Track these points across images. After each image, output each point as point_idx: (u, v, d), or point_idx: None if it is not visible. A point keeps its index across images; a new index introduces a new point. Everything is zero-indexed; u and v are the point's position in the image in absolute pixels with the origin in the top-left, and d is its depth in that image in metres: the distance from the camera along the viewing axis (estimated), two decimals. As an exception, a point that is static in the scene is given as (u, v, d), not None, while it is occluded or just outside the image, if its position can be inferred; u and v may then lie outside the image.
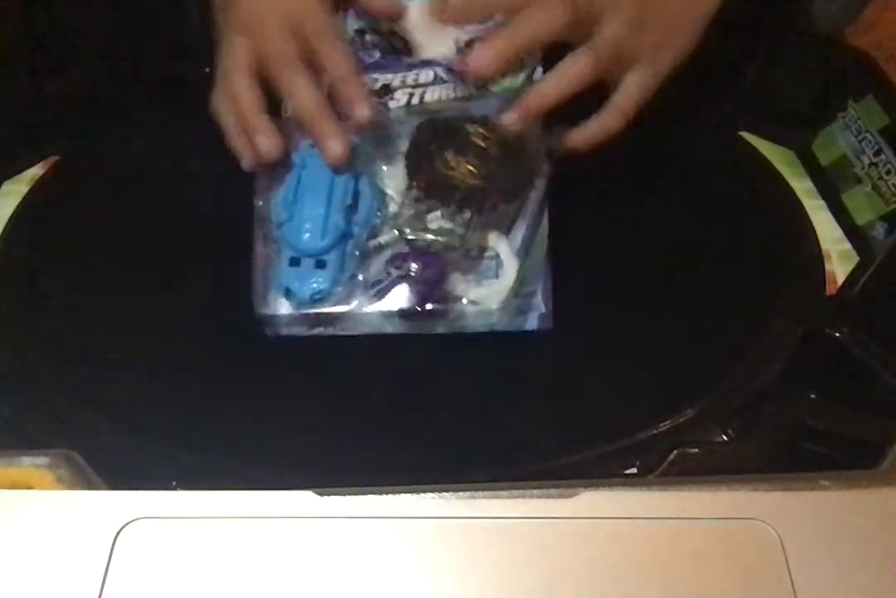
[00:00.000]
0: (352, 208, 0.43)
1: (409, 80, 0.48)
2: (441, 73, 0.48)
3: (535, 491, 0.35)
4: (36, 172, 0.53)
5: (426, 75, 0.48)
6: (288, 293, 0.43)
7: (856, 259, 0.48)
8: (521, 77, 0.47)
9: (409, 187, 0.45)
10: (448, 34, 0.48)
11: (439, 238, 0.43)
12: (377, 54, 0.49)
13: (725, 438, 0.41)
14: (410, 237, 0.44)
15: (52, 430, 0.42)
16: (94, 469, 0.37)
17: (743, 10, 0.47)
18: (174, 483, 0.39)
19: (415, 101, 0.47)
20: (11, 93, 0.54)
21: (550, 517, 0.34)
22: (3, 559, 0.33)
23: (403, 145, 0.45)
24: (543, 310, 0.44)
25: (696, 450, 0.40)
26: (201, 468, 0.40)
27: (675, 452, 0.40)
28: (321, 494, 0.34)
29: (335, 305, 0.43)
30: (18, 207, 0.52)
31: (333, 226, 0.43)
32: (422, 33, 0.48)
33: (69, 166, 0.54)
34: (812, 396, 0.42)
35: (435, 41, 0.48)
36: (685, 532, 0.33)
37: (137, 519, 0.33)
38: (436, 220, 0.44)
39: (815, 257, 0.48)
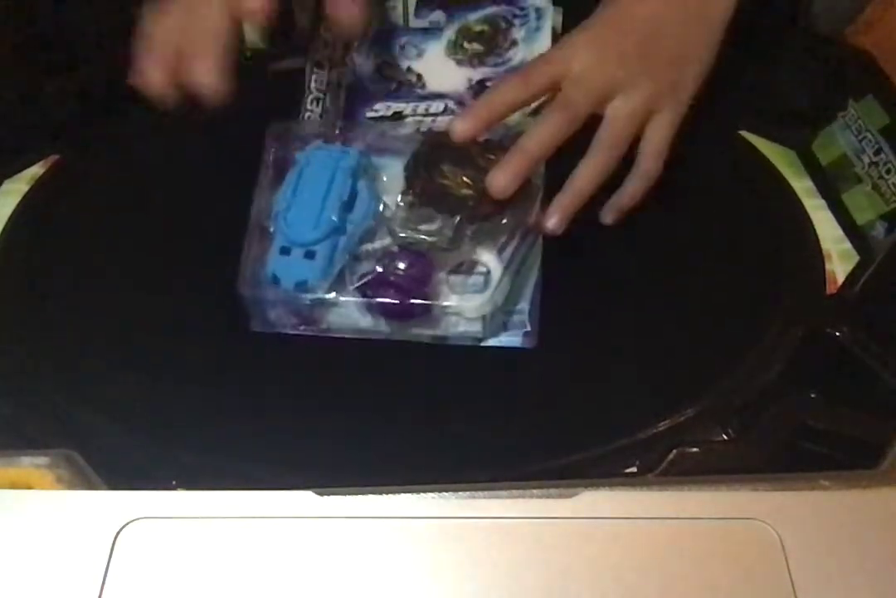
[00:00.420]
0: (347, 206, 0.44)
1: (421, 110, 0.51)
2: (452, 105, 0.51)
3: (535, 491, 0.35)
4: (36, 171, 0.53)
5: (437, 106, 0.51)
6: (274, 280, 0.44)
7: (856, 259, 0.48)
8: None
9: (404, 193, 0.45)
10: (461, 73, 0.53)
11: (427, 238, 0.44)
12: (393, 85, 0.52)
13: (725, 438, 0.41)
14: (401, 235, 0.44)
15: (52, 430, 0.42)
16: (94, 469, 0.37)
17: (743, 11, 0.47)
18: (174, 483, 0.39)
19: (423, 129, 0.49)
20: (11, 93, 0.54)
21: (550, 517, 0.34)
22: (3, 559, 0.33)
23: (405, 160, 0.46)
24: (528, 328, 0.45)
25: (696, 450, 0.40)
26: (201, 468, 0.40)
27: (674, 451, 0.40)
28: (321, 494, 0.34)
29: (318, 294, 0.44)
30: (18, 205, 0.51)
31: (326, 219, 0.43)
32: (436, 71, 0.52)
33: (69, 166, 0.54)
34: (812, 396, 0.42)
35: (448, 78, 0.52)
36: (685, 532, 0.33)
37: (137, 519, 0.33)
38: (427, 222, 0.45)
39: (815, 257, 0.48)
